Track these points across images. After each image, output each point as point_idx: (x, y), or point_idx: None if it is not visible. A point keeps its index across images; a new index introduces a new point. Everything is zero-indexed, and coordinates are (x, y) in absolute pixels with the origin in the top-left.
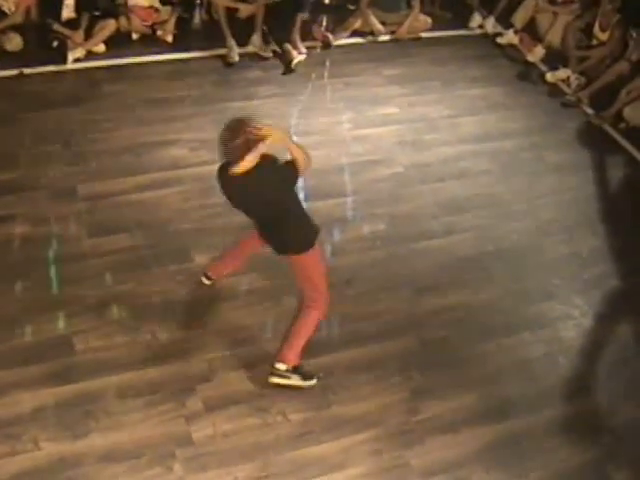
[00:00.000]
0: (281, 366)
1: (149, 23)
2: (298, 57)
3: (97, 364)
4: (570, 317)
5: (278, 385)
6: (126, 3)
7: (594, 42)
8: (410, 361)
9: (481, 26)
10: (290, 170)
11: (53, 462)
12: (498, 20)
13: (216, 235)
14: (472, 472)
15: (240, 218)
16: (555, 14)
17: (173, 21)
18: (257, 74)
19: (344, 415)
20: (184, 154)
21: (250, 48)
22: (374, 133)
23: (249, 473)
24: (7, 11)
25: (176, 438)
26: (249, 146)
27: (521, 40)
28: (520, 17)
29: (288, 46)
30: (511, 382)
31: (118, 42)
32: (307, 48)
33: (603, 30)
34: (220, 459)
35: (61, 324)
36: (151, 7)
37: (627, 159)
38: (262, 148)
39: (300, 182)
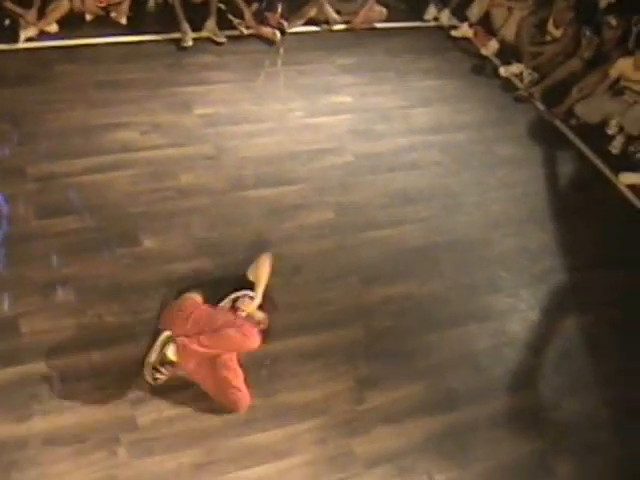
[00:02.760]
0: None
1: (103, 4)
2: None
3: (43, 346)
4: (516, 310)
5: None
6: None
7: (548, 38)
8: (357, 350)
9: (436, 18)
10: None
11: None
12: (453, 13)
13: (165, 219)
14: (416, 462)
15: (190, 202)
16: (510, 9)
17: (127, 3)
18: (211, 59)
19: (290, 403)
20: (135, 137)
21: (204, 33)
22: (326, 122)
23: (194, 459)
24: None
25: (121, 422)
26: None
27: (475, 34)
28: (475, 11)
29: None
30: (457, 373)
31: (71, 23)
32: (260, 37)
33: (557, 27)
34: (165, 444)
35: (6, 305)
36: None
37: (577, 155)
38: None
39: (251, 169)
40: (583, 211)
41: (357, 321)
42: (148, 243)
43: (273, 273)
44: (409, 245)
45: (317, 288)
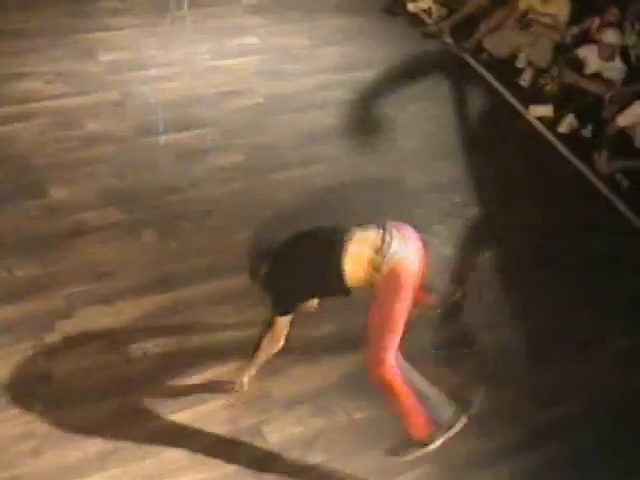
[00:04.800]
0: None
1: None
2: None
3: None
4: (431, 245)
5: None
6: None
7: None
8: None
9: None
10: None
11: None
12: None
13: (72, 169)
14: (334, 400)
15: (97, 151)
16: None
17: None
18: (114, 4)
19: (206, 347)
20: (39, 87)
21: None
22: (234, 64)
23: (110, 408)
24: None
25: (36, 375)
26: None
27: None
28: None
29: None
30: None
31: None
32: None
33: None
34: (81, 395)
35: None
36: None
37: (487, 89)
38: None
39: (158, 114)
40: (494, 145)
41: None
42: (56, 194)
43: (185, 218)
44: (320, 185)
45: (229, 231)
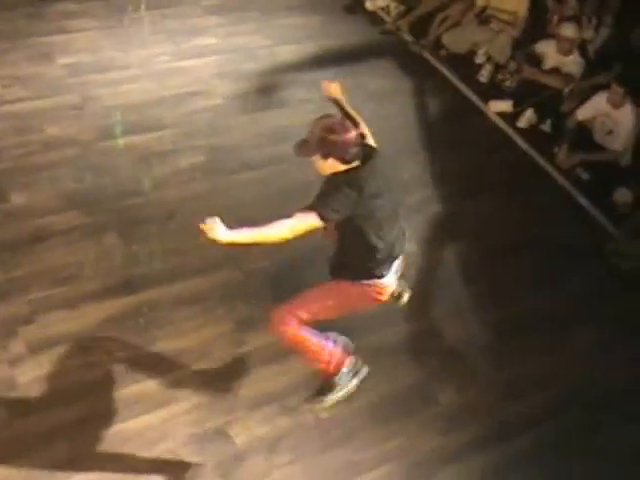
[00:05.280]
0: None
1: None
2: None
3: None
4: None
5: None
6: None
7: None
8: (234, 293)
9: None
10: None
11: None
12: None
13: (32, 174)
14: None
15: (57, 155)
16: None
17: None
18: (71, 7)
19: (170, 350)
20: None
21: None
22: (192, 65)
23: (76, 414)
24: None
25: (0, 382)
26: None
27: None
28: None
29: None
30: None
31: None
32: None
33: None
34: (46, 401)
35: None
36: None
37: (446, 85)
38: None
39: (118, 117)
40: (454, 141)
41: (233, 263)
42: (16, 199)
43: (147, 221)
44: (283, 184)
45: (191, 233)
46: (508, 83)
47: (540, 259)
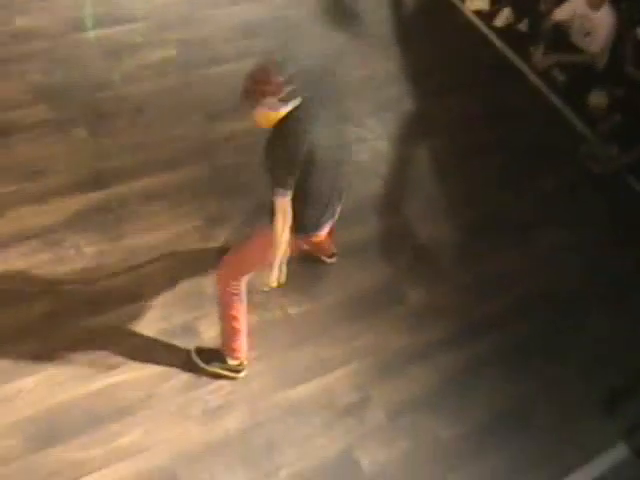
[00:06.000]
0: None
1: None
2: None
3: None
4: (364, 139)
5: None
6: None
7: None
8: (203, 188)
9: None
10: None
11: None
12: None
13: (0, 66)
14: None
15: (26, 47)
16: None
17: None
18: None
19: (139, 245)
20: None
21: None
22: None
23: (43, 308)
24: None
25: None
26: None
27: None
28: None
29: None
30: None
31: None
32: None
33: None
34: (15, 295)
35: None
36: None
37: None
38: None
39: (88, 8)
40: (429, 38)
41: (202, 159)
42: None
43: (117, 115)
44: None
45: (161, 127)
46: None
47: (512, 159)
